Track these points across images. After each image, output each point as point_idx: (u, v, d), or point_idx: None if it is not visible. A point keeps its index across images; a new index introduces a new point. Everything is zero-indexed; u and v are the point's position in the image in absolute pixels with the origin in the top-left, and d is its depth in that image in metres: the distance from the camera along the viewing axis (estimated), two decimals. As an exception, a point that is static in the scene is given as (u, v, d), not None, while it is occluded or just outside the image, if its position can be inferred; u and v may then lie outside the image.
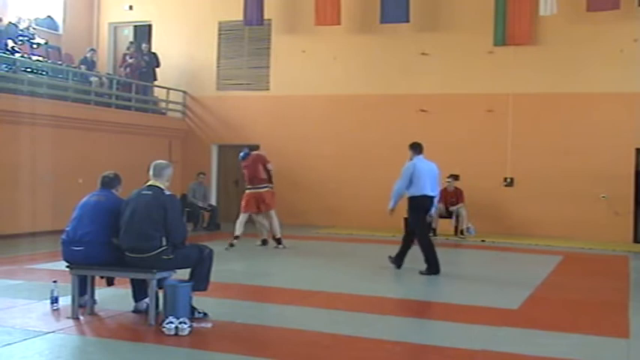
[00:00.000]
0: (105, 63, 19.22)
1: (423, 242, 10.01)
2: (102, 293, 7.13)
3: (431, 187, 10.04)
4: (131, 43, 18.59)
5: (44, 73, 15.24)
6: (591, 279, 10.38)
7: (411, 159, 10.17)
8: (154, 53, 18.20)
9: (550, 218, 15.57)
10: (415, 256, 11.46)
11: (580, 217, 15.33)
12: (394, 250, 11.50)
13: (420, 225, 10.15)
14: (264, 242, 12.77)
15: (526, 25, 15.80)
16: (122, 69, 18.12)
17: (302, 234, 15.05)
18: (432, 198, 10.09)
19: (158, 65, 18.22)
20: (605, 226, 15.14)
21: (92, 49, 17.81)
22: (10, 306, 7.14)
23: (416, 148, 10.26)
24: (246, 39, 18.44)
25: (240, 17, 17.63)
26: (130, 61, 18.03)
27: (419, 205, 9.99)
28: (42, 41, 16.75)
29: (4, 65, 14.34)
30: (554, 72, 15.70)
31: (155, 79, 18.32)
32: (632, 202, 15.18)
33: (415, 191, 9.96)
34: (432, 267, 9.89)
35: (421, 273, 9.89)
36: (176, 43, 18.68)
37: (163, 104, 19.00)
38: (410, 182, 9.96)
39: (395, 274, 10.33)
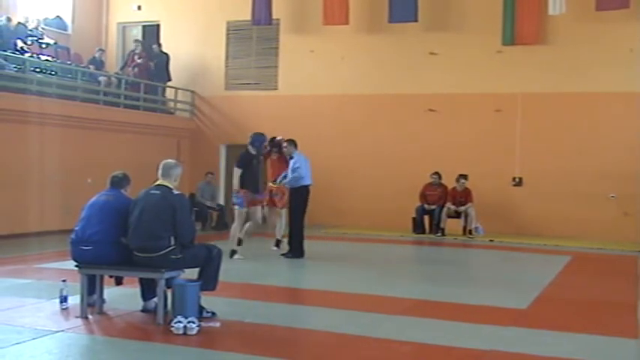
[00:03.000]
0: (113, 63, 19.25)
1: (297, 227, 11.26)
2: (111, 292, 7.15)
3: (309, 178, 11.47)
4: (139, 42, 18.59)
5: (53, 73, 15.29)
6: (600, 279, 10.36)
7: (289, 154, 11.43)
8: (165, 53, 18.18)
9: (559, 218, 15.52)
10: (419, 256, 11.51)
11: (589, 217, 15.27)
12: (401, 249, 11.54)
13: (300, 212, 11.27)
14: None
15: (535, 24, 15.75)
16: (130, 69, 18.09)
17: (309, 233, 14.99)
18: (309, 187, 11.44)
19: (167, 68, 18.19)
20: (614, 226, 15.08)
21: (101, 50, 17.87)
22: (19, 305, 7.17)
23: (294, 143, 11.56)
24: (255, 39, 18.45)
25: (249, 17, 17.64)
26: (139, 61, 18.06)
27: (303, 193, 11.27)
28: (51, 41, 16.80)
29: (14, 65, 14.38)
30: (563, 71, 15.65)
31: (169, 79, 18.33)
32: (641, 202, 15.13)
33: (303, 182, 11.25)
34: (296, 251, 11.20)
35: (283, 254, 11.26)
36: (184, 43, 18.71)
37: (172, 104, 19.05)
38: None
39: (402, 275, 10.32)
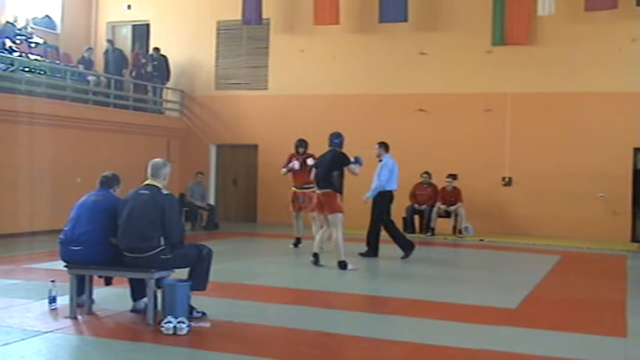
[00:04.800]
0: (103, 62, 19.18)
1: (376, 229, 11.43)
2: (100, 293, 7.12)
3: (395, 183, 11.55)
4: (140, 44, 18.70)
5: (42, 72, 15.21)
6: (589, 278, 10.39)
7: (379, 156, 11.39)
8: (164, 56, 18.17)
9: (548, 217, 15.58)
10: (413, 257, 11.50)
11: (578, 216, 15.33)
12: (391, 249, 11.55)
13: (382, 215, 11.38)
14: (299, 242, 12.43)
15: (524, 24, 15.80)
16: (136, 69, 18.06)
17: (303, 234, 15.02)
18: (394, 192, 11.58)
19: (169, 70, 18.22)
20: (603, 225, 15.14)
21: (89, 48, 17.78)
22: (8, 305, 7.13)
23: (387, 146, 11.54)
24: (245, 38, 18.43)
25: (239, 16, 17.62)
26: (144, 61, 18.08)
27: (390, 198, 11.41)
28: (40, 40, 16.71)
29: (2, 64, 14.31)
30: (553, 72, 15.70)
31: (168, 81, 18.35)
32: (629, 202, 15.18)
33: (389, 186, 11.32)
34: (407, 248, 11.31)
35: (403, 258, 11.21)
36: (174, 43, 18.65)
37: (162, 103, 19.00)
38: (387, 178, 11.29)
39: (393, 274, 10.33)
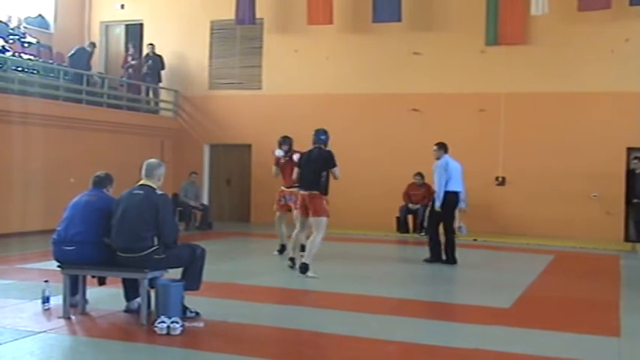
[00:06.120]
0: (96, 62, 19.12)
1: (451, 235, 11.19)
2: (93, 293, 7.10)
3: (459, 184, 11.17)
4: (132, 45, 18.61)
5: (35, 72, 15.17)
6: (583, 278, 10.41)
7: (438, 158, 11.09)
8: (159, 55, 18.14)
9: (542, 217, 15.61)
10: (403, 255, 11.49)
11: (571, 216, 15.36)
12: (386, 249, 11.54)
13: (449, 218, 11.18)
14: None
15: (518, 24, 15.83)
16: (124, 70, 18.08)
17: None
18: (458, 193, 11.16)
19: (163, 67, 18.20)
20: (597, 225, 15.18)
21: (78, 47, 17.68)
22: (1, 306, 7.10)
23: (446, 147, 11.22)
24: (239, 38, 18.42)
25: (232, 16, 17.60)
26: (133, 62, 18.03)
27: (451, 200, 10.96)
28: (33, 40, 16.67)
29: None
30: (546, 71, 15.74)
31: (160, 81, 18.31)
32: (623, 202, 15.20)
33: (450, 187, 10.94)
34: (434, 258, 11.08)
35: (426, 260, 11.14)
36: (168, 42, 18.62)
37: (155, 103, 18.97)
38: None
39: (387, 275, 10.34)
